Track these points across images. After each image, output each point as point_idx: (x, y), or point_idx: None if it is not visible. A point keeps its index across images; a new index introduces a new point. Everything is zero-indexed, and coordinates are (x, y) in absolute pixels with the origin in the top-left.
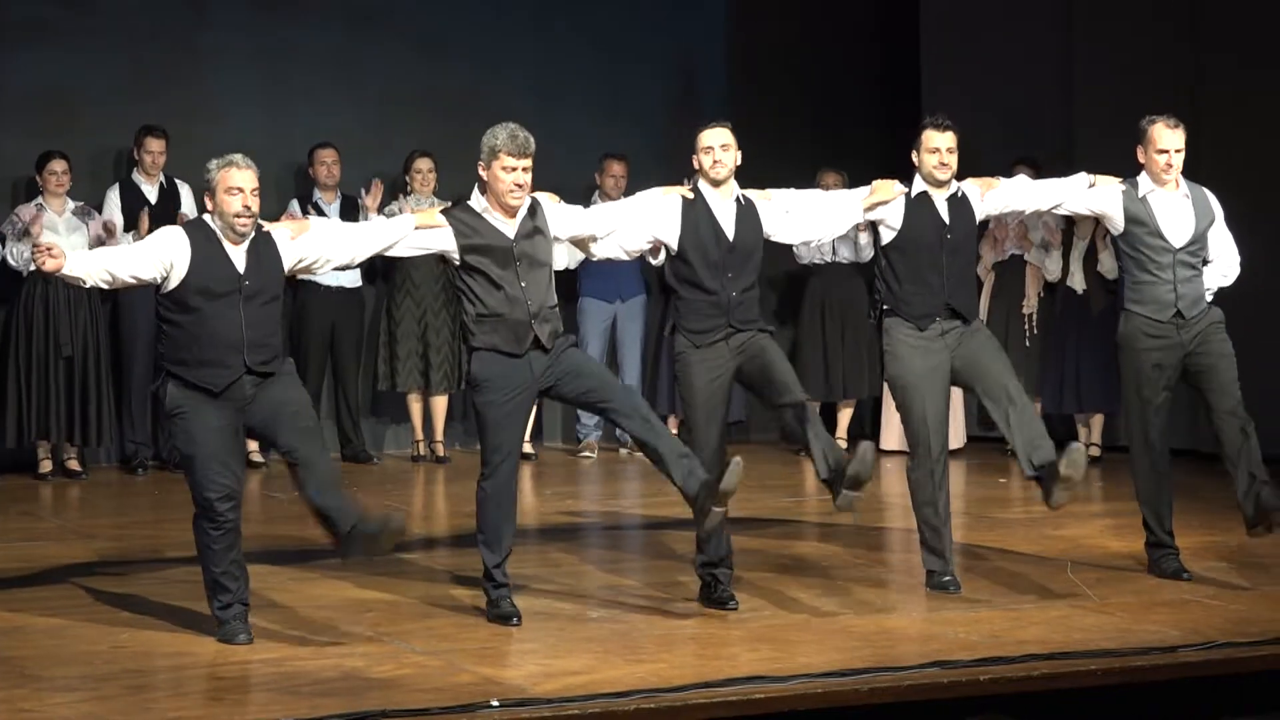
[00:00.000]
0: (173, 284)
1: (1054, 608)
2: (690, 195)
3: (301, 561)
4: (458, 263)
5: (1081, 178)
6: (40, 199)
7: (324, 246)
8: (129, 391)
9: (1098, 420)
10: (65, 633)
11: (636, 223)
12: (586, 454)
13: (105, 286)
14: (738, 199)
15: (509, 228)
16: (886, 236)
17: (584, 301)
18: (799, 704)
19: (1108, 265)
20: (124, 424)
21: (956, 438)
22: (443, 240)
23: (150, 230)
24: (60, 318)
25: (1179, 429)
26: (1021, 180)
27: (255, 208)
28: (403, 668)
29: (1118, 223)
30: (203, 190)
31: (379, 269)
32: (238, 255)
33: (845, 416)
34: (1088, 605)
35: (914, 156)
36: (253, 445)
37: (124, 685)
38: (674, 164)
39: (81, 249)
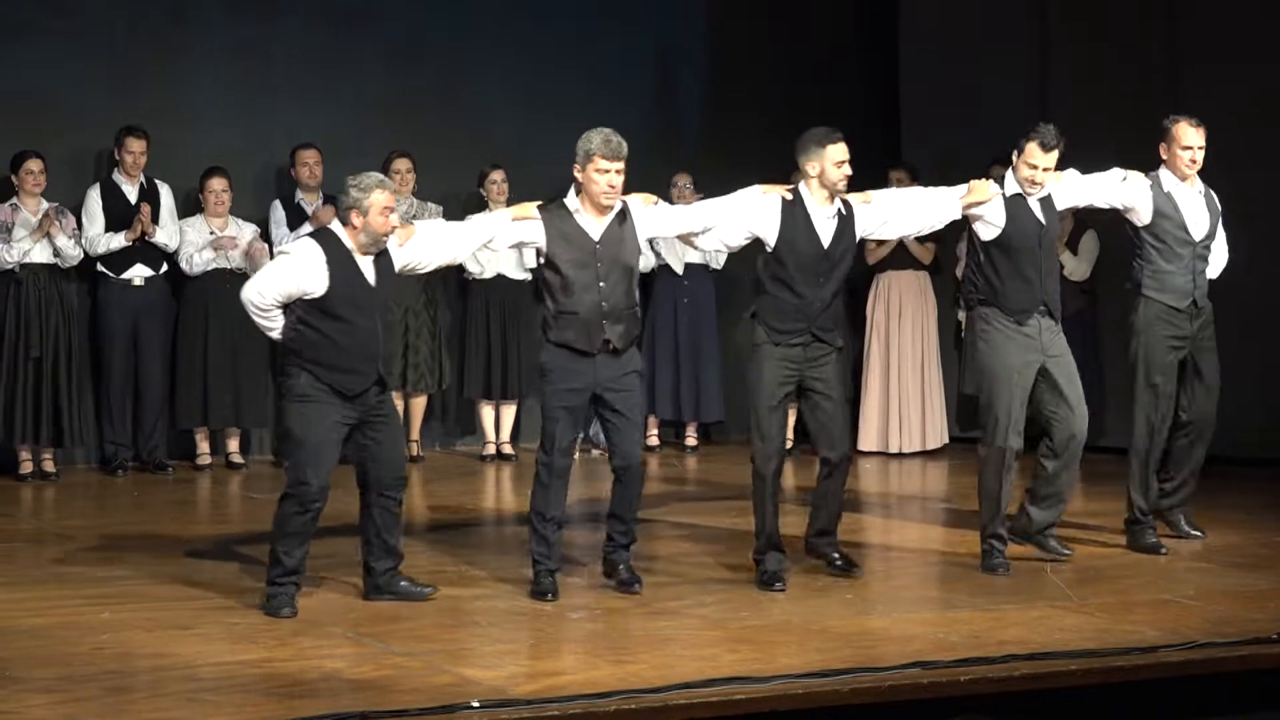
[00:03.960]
0: (315, 294)
1: (1034, 608)
2: (789, 196)
3: None
4: (542, 258)
5: (1115, 173)
6: (15, 199)
7: (428, 250)
8: (107, 392)
9: None
10: (44, 634)
11: (736, 219)
12: None
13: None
14: (839, 208)
15: (595, 228)
16: (987, 234)
17: None
18: (780, 704)
19: (1069, 266)
20: (103, 425)
21: (936, 438)
22: (534, 232)
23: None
24: (31, 320)
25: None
26: (1072, 176)
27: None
28: (382, 669)
29: (1145, 215)
30: (347, 207)
31: None
32: (367, 267)
33: None
34: (1067, 606)
35: (1014, 157)
36: (232, 446)
37: (103, 686)
38: (655, 161)
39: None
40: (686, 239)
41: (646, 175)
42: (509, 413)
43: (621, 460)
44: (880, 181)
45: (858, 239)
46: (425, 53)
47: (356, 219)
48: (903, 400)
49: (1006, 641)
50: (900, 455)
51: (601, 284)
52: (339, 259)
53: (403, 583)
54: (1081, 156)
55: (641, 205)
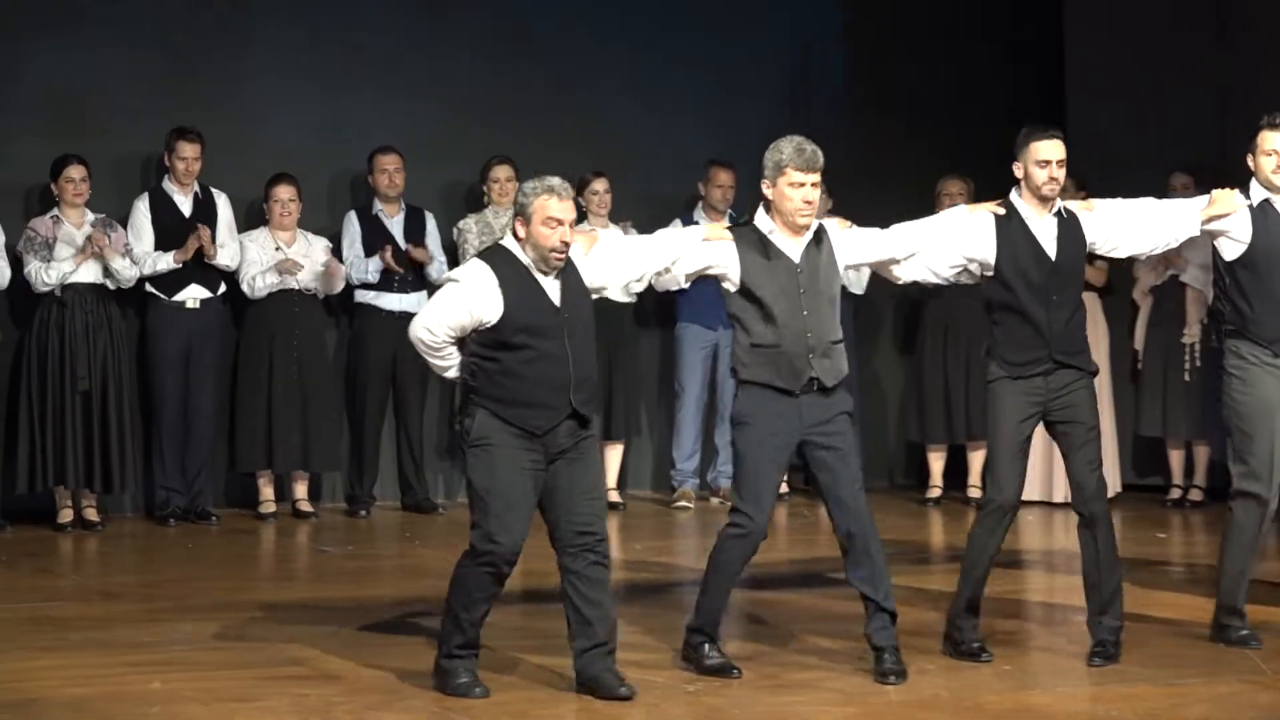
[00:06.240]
0: (490, 322)
1: (1221, 682)
2: (1002, 211)
3: (356, 623)
4: (735, 286)
5: None
6: (56, 210)
7: (613, 264)
8: (159, 429)
9: None
10: (87, 706)
11: (946, 243)
12: (682, 504)
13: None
14: (1059, 213)
15: (794, 250)
16: (1232, 252)
17: (681, 327)
18: None
19: (1192, 277)
20: (153, 467)
21: (1111, 484)
22: (725, 257)
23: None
24: (78, 346)
25: None
26: None
27: (572, 241)
28: None
29: None
30: (515, 214)
31: None
32: (551, 286)
33: (978, 460)
34: (1261, 680)
35: (1249, 161)
36: (300, 492)
37: None
38: None
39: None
40: (884, 267)
41: None
42: (614, 455)
43: (842, 516)
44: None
45: (1087, 249)
46: (522, 44)
47: (521, 228)
48: None
49: None
50: (1066, 506)
51: (806, 313)
52: (514, 278)
53: (602, 669)
54: None
55: (837, 228)
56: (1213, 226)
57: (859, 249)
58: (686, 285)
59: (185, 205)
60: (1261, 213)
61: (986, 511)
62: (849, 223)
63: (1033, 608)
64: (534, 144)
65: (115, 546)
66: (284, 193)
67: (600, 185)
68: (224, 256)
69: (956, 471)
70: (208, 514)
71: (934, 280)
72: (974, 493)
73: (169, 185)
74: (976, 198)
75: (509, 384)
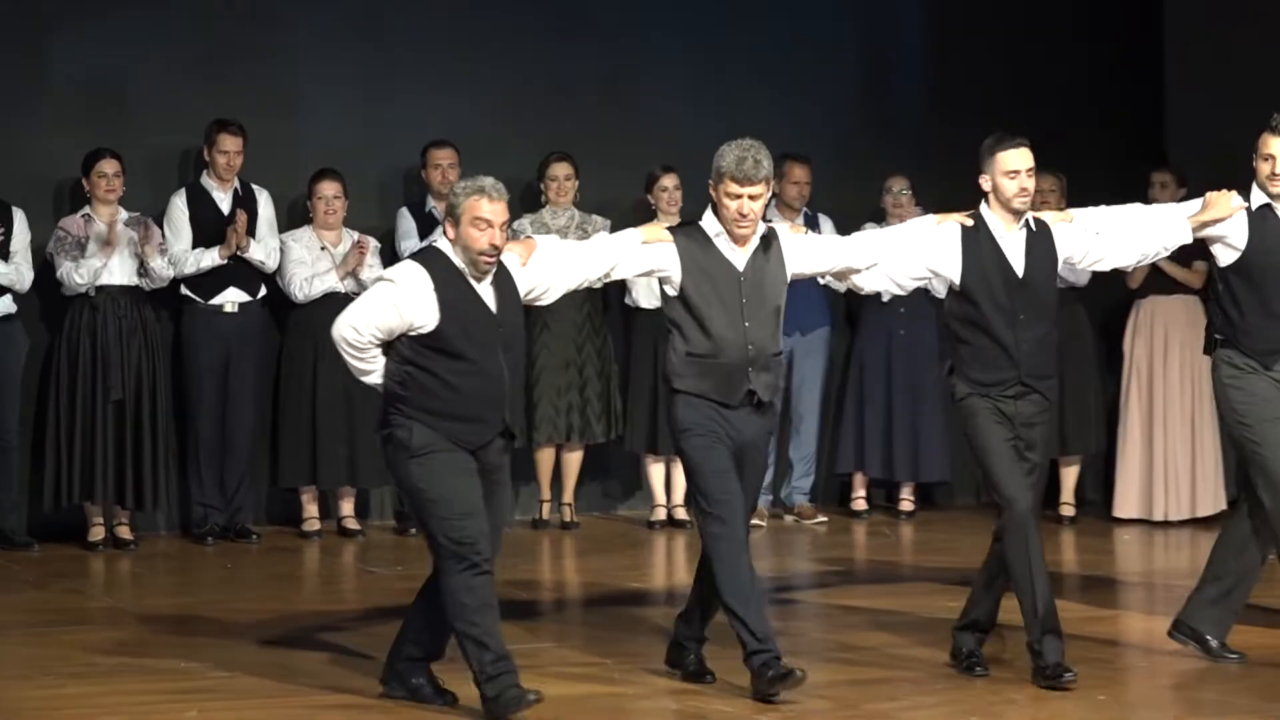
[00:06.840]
0: (424, 328)
1: None
2: (969, 222)
3: None
4: (675, 290)
5: None
6: (88, 208)
7: (553, 272)
8: (195, 441)
9: None
10: None
11: (909, 254)
12: (754, 522)
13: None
14: (1027, 224)
15: (739, 257)
16: (1227, 257)
17: None
18: None
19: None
20: (189, 481)
21: (1209, 503)
22: (666, 259)
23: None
24: (110, 352)
25: None
26: None
27: (502, 245)
28: None
29: None
30: (445, 215)
31: None
32: (486, 293)
33: (1071, 476)
34: None
35: (1253, 163)
36: (346, 509)
37: None
38: (861, 170)
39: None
40: (844, 276)
41: (855, 183)
42: (682, 470)
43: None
44: (1141, 189)
45: (1060, 263)
46: (585, 33)
47: (451, 229)
48: (1169, 456)
49: None
50: (1165, 524)
51: (748, 324)
52: (450, 283)
53: (420, 680)
54: None
55: (789, 233)
56: (1208, 232)
57: (812, 256)
58: None
59: (224, 202)
60: (1260, 218)
61: (1009, 530)
62: (803, 227)
63: (1131, 632)
64: (595, 139)
65: (149, 567)
66: (328, 189)
67: (670, 181)
68: (259, 252)
69: (1048, 488)
70: (248, 532)
71: (897, 291)
72: (1066, 510)
73: (208, 181)
74: (1070, 199)
75: (444, 395)
